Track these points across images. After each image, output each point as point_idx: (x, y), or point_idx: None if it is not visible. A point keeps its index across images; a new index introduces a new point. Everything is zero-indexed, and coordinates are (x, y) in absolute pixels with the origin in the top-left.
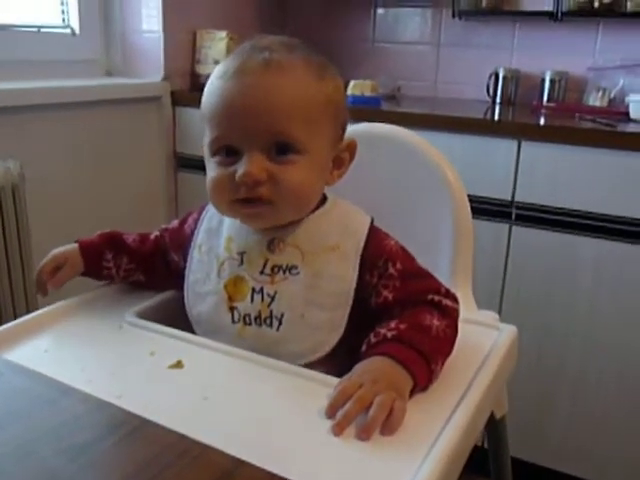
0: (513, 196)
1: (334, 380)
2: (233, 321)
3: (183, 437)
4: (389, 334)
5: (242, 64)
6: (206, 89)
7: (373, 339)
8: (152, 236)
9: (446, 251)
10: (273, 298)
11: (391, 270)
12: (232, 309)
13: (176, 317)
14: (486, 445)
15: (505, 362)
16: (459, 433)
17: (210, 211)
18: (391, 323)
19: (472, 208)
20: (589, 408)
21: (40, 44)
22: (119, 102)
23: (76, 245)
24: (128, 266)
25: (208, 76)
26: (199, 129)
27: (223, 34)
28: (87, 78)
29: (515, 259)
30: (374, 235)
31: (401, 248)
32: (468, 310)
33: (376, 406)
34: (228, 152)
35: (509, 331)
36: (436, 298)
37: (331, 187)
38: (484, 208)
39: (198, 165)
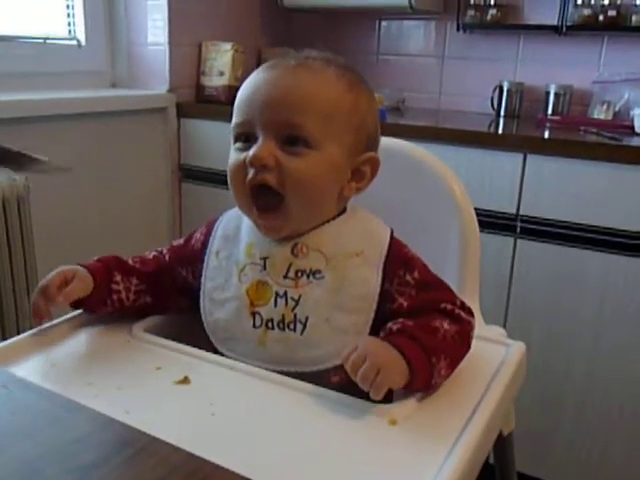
0: (518, 209)
1: (343, 397)
2: (254, 326)
3: (192, 456)
4: (395, 327)
5: (277, 62)
6: (245, 81)
7: (382, 334)
8: (150, 256)
9: (453, 265)
10: (297, 302)
11: (408, 278)
12: (254, 314)
13: (182, 332)
14: (492, 460)
15: (514, 379)
16: (468, 454)
17: (224, 220)
18: (400, 319)
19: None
20: (595, 421)
21: (46, 55)
22: (124, 113)
23: (79, 267)
24: (138, 287)
25: (213, 88)
26: (204, 140)
27: (228, 46)
28: (93, 89)
29: (520, 272)
30: (395, 244)
31: (419, 259)
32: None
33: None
34: (247, 139)
35: (517, 347)
36: (449, 307)
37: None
38: (489, 221)
39: (203, 177)
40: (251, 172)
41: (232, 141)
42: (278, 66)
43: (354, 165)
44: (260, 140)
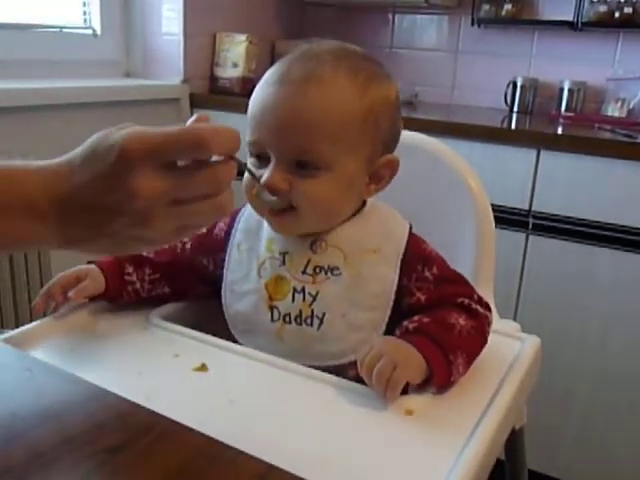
0: (530, 205)
1: (360, 387)
2: (272, 320)
3: (214, 441)
4: (411, 326)
5: (286, 72)
6: (254, 91)
7: (397, 331)
8: (165, 245)
9: (468, 259)
10: (315, 298)
11: (427, 273)
12: (272, 308)
13: (200, 319)
14: (502, 456)
15: (529, 374)
16: (484, 446)
17: (246, 212)
18: (415, 317)
19: None
20: (604, 417)
21: (62, 44)
22: (138, 103)
23: (92, 265)
24: (152, 277)
25: (227, 79)
26: None
27: (243, 37)
28: (107, 79)
29: (531, 268)
30: (413, 240)
31: (438, 254)
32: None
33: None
34: (260, 156)
35: (532, 342)
36: (466, 301)
37: None
38: (501, 217)
39: None
40: (266, 195)
41: (247, 153)
42: (286, 80)
43: (372, 170)
44: (272, 164)
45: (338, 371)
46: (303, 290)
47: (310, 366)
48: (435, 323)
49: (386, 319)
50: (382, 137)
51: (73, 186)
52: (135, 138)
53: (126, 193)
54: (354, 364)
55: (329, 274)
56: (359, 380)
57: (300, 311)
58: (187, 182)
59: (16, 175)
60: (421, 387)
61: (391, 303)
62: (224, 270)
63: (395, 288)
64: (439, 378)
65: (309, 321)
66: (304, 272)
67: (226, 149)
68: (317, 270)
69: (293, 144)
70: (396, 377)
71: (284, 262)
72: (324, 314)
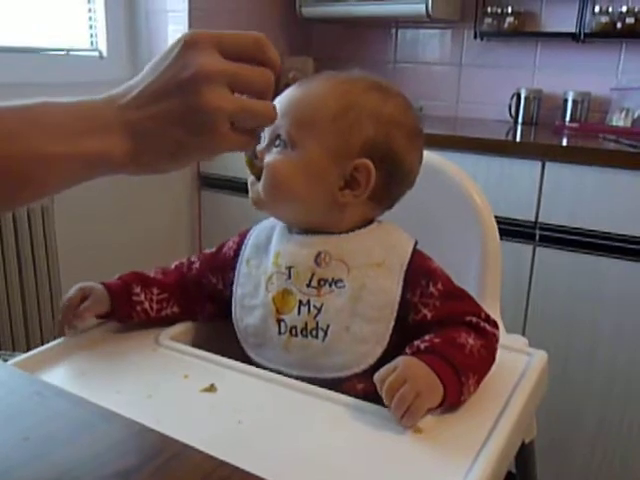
0: (537, 217)
1: (369, 406)
2: (280, 333)
3: (225, 464)
4: (422, 346)
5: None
6: None
7: (408, 351)
8: (172, 266)
9: (473, 274)
10: (319, 310)
11: (432, 289)
12: (279, 321)
13: (209, 339)
14: (513, 469)
15: (536, 388)
16: (492, 463)
17: (257, 230)
18: (426, 337)
19: None
20: (615, 432)
21: (69, 66)
22: None
23: (99, 285)
24: (160, 296)
25: None
26: None
27: None
28: None
29: (539, 280)
30: (418, 255)
31: (443, 271)
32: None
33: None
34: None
35: (539, 356)
36: (474, 320)
37: None
38: (508, 229)
39: (221, 184)
40: (257, 162)
41: None
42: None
43: (346, 170)
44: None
45: (344, 384)
46: (308, 303)
47: (316, 378)
48: (446, 343)
49: (389, 331)
50: (361, 141)
51: (140, 91)
52: (200, 30)
53: (190, 68)
54: (360, 376)
55: (333, 287)
56: (366, 393)
57: (305, 324)
58: (243, 70)
59: (82, 103)
60: (432, 408)
61: (395, 315)
62: (234, 286)
63: (398, 300)
64: (451, 399)
65: (314, 333)
66: (309, 285)
67: (276, 58)
68: (321, 283)
69: (272, 125)
70: (418, 406)
71: (290, 276)
72: (328, 326)
